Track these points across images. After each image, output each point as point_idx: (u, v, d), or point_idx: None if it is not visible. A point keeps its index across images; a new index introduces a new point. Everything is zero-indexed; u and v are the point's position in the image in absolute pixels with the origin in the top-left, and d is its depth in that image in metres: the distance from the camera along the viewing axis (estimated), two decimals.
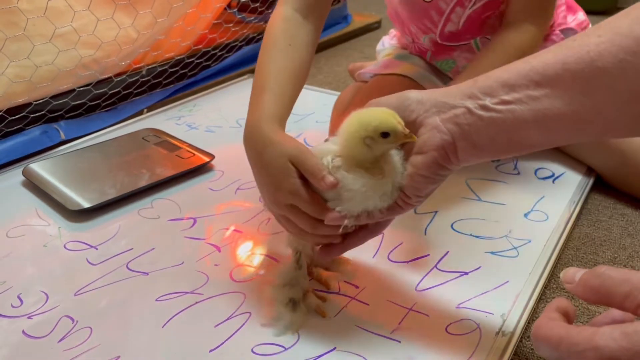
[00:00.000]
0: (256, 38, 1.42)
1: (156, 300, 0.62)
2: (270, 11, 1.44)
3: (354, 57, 1.56)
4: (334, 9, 1.71)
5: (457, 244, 0.71)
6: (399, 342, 0.56)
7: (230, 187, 0.85)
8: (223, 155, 0.92)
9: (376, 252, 0.69)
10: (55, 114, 1.03)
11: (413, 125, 0.50)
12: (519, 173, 0.88)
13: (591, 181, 0.86)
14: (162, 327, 0.58)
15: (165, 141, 0.96)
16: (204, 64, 1.30)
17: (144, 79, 1.17)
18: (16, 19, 0.93)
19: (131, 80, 1.15)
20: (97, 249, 0.71)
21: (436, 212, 0.77)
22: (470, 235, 0.73)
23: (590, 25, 0.93)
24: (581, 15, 0.95)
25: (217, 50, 1.33)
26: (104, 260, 0.69)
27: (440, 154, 0.48)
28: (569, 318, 0.38)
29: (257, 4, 1.43)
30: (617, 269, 0.35)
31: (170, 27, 1.19)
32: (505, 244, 0.71)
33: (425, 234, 0.73)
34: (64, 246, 0.72)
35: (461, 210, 0.78)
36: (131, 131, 1.01)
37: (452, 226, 0.74)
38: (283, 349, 0.55)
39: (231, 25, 1.36)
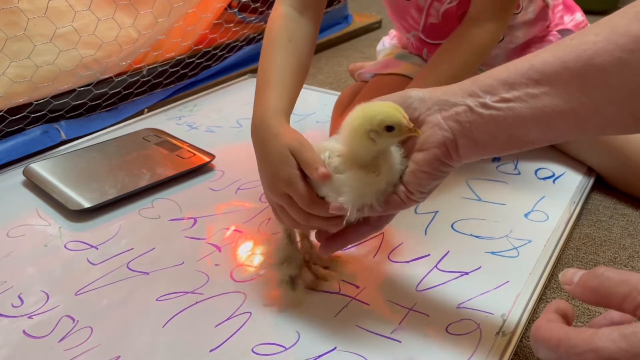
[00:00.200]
0: (257, 38, 1.42)
1: (157, 300, 0.62)
2: (270, 11, 1.44)
3: (354, 57, 1.56)
4: (335, 9, 1.71)
5: (458, 244, 0.71)
6: (400, 342, 0.56)
7: (230, 187, 0.85)
8: (223, 155, 0.92)
9: (376, 252, 0.69)
10: (56, 114, 1.03)
11: (415, 123, 0.50)
12: (519, 173, 0.88)
13: (591, 181, 0.86)
14: (163, 327, 0.58)
15: (165, 141, 0.97)
16: (205, 64, 1.30)
17: (144, 79, 1.17)
18: (17, 19, 0.93)
19: (132, 80, 1.15)
20: (97, 248, 0.71)
21: (436, 212, 0.77)
22: (471, 235, 0.73)
23: (588, 26, 0.93)
24: (579, 15, 0.95)
25: (217, 50, 1.33)
26: (105, 260, 0.69)
27: (441, 151, 0.49)
28: (567, 320, 0.38)
29: (258, 4, 1.43)
30: (616, 270, 0.35)
31: (170, 27, 1.19)
32: (506, 244, 0.71)
33: (425, 234, 0.73)
34: (65, 246, 0.72)
35: (461, 210, 0.78)
36: (132, 131, 1.01)
37: (452, 226, 0.75)
38: (283, 348, 0.55)
39: (232, 25, 1.37)
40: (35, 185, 0.84)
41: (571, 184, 0.85)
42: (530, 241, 0.71)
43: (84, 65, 1.04)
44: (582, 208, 0.81)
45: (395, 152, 0.52)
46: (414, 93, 0.51)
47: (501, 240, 0.71)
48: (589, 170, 0.88)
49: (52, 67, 0.98)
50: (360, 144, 0.51)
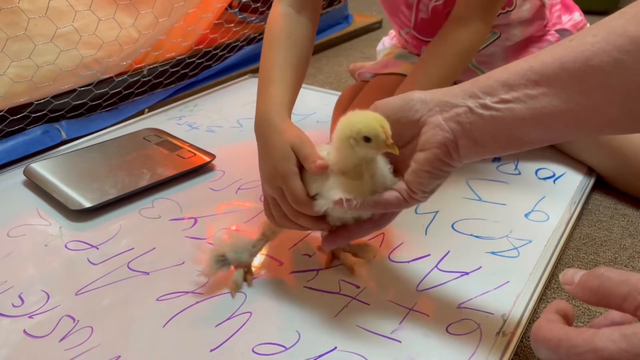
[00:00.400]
0: (257, 38, 1.42)
1: (157, 299, 0.62)
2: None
3: (354, 57, 1.56)
4: (335, 9, 1.71)
5: (458, 244, 0.71)
6: (400, 342, 0.56)
7: (231, 187, 0.85)
8: (224, 155, 0.92)
9: (376, 254, 0.69)
10: (57, 114, 1.04)
11: (417, 125, 0.51)
12: (519, 173, 0.88)
13: (592, 181, 0.86)
14: (163, 326, 0.58)
15: (166, 141, 0.97)
16: (205, 64, 1.30)
17: (145, 79, 1.17)
18: (17, 18, 0.93)
19: (132, 80, 1.15)
20: (98, 248, 0.71)
21: (437, 212, 0.77)
22: (471, 235, 0.73)
23: (587, 26, 0.93)
24: (577, 15, 0.95)
25: (218, 50, 1.33)
26: (105, 259, 0.69)
27: (442, 151, 0.50)
28: (568, 320, 0.38)
29: (258, 4, 1.43)
30: (616, 270, 0.35)
31: (171, 27, 1.19)
32: (506, 244, 0.71)
33: (425, 234, 0.73)
34: (65, 246, 0.72)
35: (462, 210, 0.78)
36: (132, 131, 1.01)
37: (452, 226, 0.75)
38: (284, 348, 0.55)
39: (232, 25, 1.37)
40: (36, 185, 0.84)
41: (572, 184, 0.85)
42: (530, 241, 0.71)
43: (84, 65, 1.04)
44: (583, 208, 0.81)
45: (382, 165, 0.53)
46: (416, 95, 0.52)
47: (501, 240, 0.71)
48: (589, 171, 0.88)
49: (53, 67, 0.98)
50: (343, 148, 0.52)
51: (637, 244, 0.74)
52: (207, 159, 0.91)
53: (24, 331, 0.58)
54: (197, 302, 0.61)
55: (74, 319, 0.59)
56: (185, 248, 0.71)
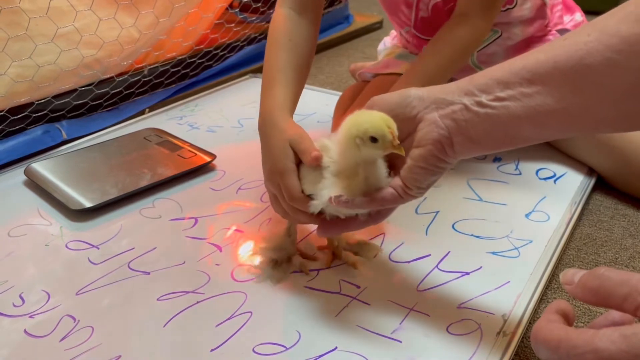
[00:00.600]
0: (258, 38, 1.42)
1: (157, 299, 0.62)
2: (271, 11, 1.44)
3: (355, 57, 1.56)
4: (336, 9, 1.71)
5: (458, 244, 0.71)
6: (400, 342, 0.56)
7: (231, 187, 0.85)
8: (224, 155, 0.93)
9: (377, 253, 0.69)
10: (57, 114, 1.04)
11: (413, 121, 0.52)
12: (520, 173, 0.88)
13: (592, 182, 0.86)
14: (164, 326, 0.58)
15: (166, 141, 0.97)
16: (206, 64, 1.30)
17: (145, 79, 1.17)
18: (18, 18, 0.93)
19: (133, 80, 1.15)
20: (98, 248, 0.71)
21: (437, 212, 0.77)
22: (472, 235, 0.73)
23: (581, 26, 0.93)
24: (579, 15, 0.95)
25: (218, 50, 1.33)
26: (106, 259, 0.69)
27: (436, 148, 0.50)
28: (568, 320, 0.38)
29: (259, 4, 1.43)
30: (616, 271, 0.35)
31: (172, 27, 1.19)
32: (507, 244, 0.71)
33: (426, 234, 0.73)
34: (66, 245, 0.72)
35: (462, 210, 0.78)
36: (133, 131, 1.01)
37: (453, 226, 0.74)
38: (284, 348, 0.55)
39: (233, 25, 1.37)
40: (37, 185, 0.84)
41: (572, 184, 0.85)
42: (531, 241, 0.71)
43: (85, 65, 1.04)
44: (583, 208, 0.81)
45: (380, 168, 0.54)
46: (413, 92, 0.52)
47: (502, 241, 0.71)
48: (590, 171, 0.88)
49: (54, 66, 0.98)
50: (347, 147, 0.53)
51: (638, 244, 0.74)
52: (208, 159, 0.91)
53: (25, 331, 0.58)
54: (197, 302, 0.62)
55: (74, 319, 0.59)
56: (185, 248, 0.71)
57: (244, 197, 0.83)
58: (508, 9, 0.88)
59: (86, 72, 1.05)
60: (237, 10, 1.43)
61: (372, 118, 0.51)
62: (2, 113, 0.94)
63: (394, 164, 0.55)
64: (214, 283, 0.65)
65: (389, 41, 1.12)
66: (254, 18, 1.44)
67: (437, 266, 0.67)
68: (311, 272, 0.66)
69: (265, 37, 1.41)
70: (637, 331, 0.31)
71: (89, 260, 0.69)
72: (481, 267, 0.66)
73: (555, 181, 0.86)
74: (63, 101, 1.03)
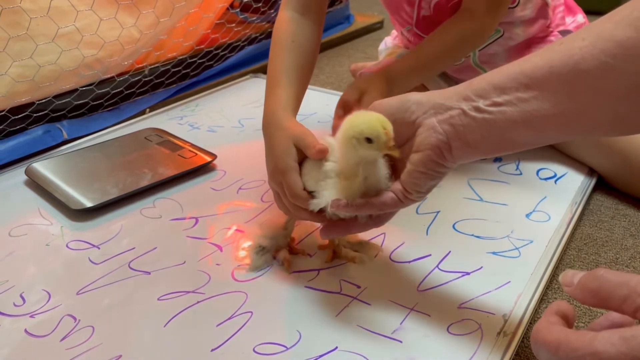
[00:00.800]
0: (258, 38, 1.42)
1: (158, 299, 0.62)
2: (272, 11, 1.45)
3: (356, 57, 1.56)
4: (336, 9, 1.71)
5: (459, 244, 0.71)
6: (401, 342, 0.56)
7: (232, 186, 0.85)
8: (225, 155, 0.93)
9: (378, 252, 0.69)
10: (58, 114, 1.04)
11: (412, 126, 0.52)
12: (521, 173, 0.88)
13: (593, 182, 0.86)
14: (164, 326, 0.58)
15: (167, 141, 0.97)
16: (206, 63, 1.30)
17: (146, 79, 1.17)
18: (19, 18, 0.93)
19: (134, 80, 1.15)
20: (99, 248, 0.71)
21: (438, 212, 0.77)
22: (472, 235, 0.73)
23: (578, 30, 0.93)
24: (580, 17, 0.95)
25: (219, 50, 1.33)
26: (106, 259, 0.69)
27: (435, 153, 0.51)
28: (568, 321, 0.38)
29: (260, 4, 1.43)
30: (616, 272, 0.35)
31: (172, 27, 1.19)
32: (507, 245, 0.71)
33: (427, 234, 0.73)
34: (67, 245, 0.72)
35: (463, 210, 0.78)
36: (133, 131, 1.01)
37: (453, 226, 0.74)
38: (285, 348, 0.55)
39: (233, 25, 1.37)
40: (37, 185, 0.84)
41: (573, 184, 0.85)
42: (531, 241, 0.71)
43: (86, 65, 1.04)
44: (584, 208, 0.81)
45: (381, 170, 0.54)
46: (412, 97, 0.53)
47: (502, 241, 0.71)
48: (590, 171, 0.88)
49: (54, 66, 0.98)
50: (345, 147, 0.54)
51: (639, 244, 0.74)
52: (208, 158, 0.91)
53: (25, 330, 0.58)
54: (198, 302, 0.62)
55: (75, 319, 0.59)
56: (186, 248, 0.71)
57: (245, 197, 0.83)
58: (511, 7, 0.88)
59: (87, 72, 1.05)
60: (238, 10, 1.43)
61: (368, 119, 0.51)
62: (3, 113, 0.95)
63: (395, 168, 0.55)
64: (214, 283, 0.65)
65: (390, 41, 1.12)
66: (254, 18, 1.44)
67: (437, 266, 0.67)
68: (311, 272, 0.66)
69: (266, 37, 1.41)
70: (637, 333, 0.31)
71: (90, 260, 0.69)
72: (482, 267, 0.66)
73: (555, 181, 0.86)
74: (64, 101, 1.03)
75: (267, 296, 0.62)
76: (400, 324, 0.58)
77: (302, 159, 0.61)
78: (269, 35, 1.42)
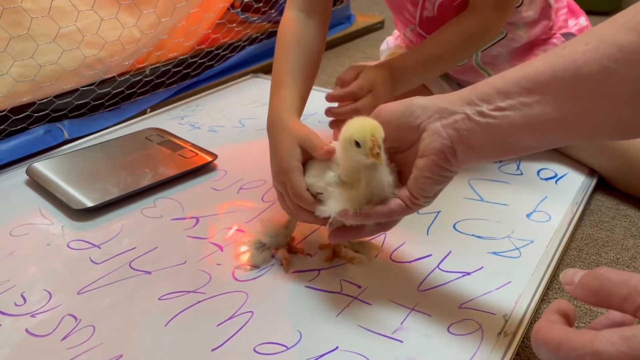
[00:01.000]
0: (259, 38, 1.43)
1: (159, 299, 0.62)
2: (273, 11, 1.45)
3: (356, 58, 1.56)
4: (337, 9, 1.71)
5: (460, 244, 0.71)
6: (401, 342, 0.56)
7: (233, 186, 0.85)
8: (226, 154, 0.93)
9: (378, 252, 0.69)
10: (59, 114, 1.04)
11: (417, 130, 0.52)
12: (521, 174, 0.88)
13: (594, 182, 0.86)
14: (165, 326, 0.58)
15: (168, 141, 0.97)
16: (207, 63, 1.31)
17: (147, 79, 1.17)
18: (20, 18, 0.93)
19: (134, 79, 1.15)
20: (100, 248, 0.71)
21: (438, 212, 0.77)
22: (473, 235, 0.73)
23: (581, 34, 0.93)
24: (583, 20, 0.95)
25: (220, 50, 1.33)
26: (107, 259, 0.69)
27: (440, 157, 0.51)
28: (569, 321, 0.38)
29: (260, 4, 1.43)
30: (617, 271, 0.35)
31: (173, 27, 1.19)
32: (508, 245, 0.71)
33: (427, 234, 0.73)
34: (67, 245, 0.72)
35: (464, 210, 0.78)
36: (134, 131, 1.01)
37: (454, 226, 0.74)
38: (285, 348, 0.55)
39: (234, 25, 1.37)
40: (38, 185, 0.84)
41: (573, 184, 0.85)
42: (532, 242, 0.71)
43: (87, 64, 1.04)
44: (585, 209, 0.81)
45: (384, 176, 0.54)
46: (417, 101, 0.53)
47: (503, 241, 0.71)
48: (591, 171, 0.88)
49: (55, 66, 0.98)
50: (342, 149, 0.55)
51: (639, 244, 0.74)
52: (209, 158, 0.91)
53: (26, 330, 0.58)
54: (198, 302, 0.62)
55: (75, 318, 0.59)
56: (187, 248, 0.71)
57: (245, 197, 0.83)
58: (515, 7, 0.88)
59: (88, 72, 1.05)
60: (239, 10, 1.43)
61: (360, 124, 0.53)
62: (4, 113, 0.95)
63: (401, 172, 0.56)
64: (215, 283, 0.65)
65: (391, 41, 1.12)
66: (255, 18, 1.44)
67: (438, 266, 0.67)
68: (312, 271, 0.66)
69: (266, 37, 1.41)
70: (637, 333, 0.31)
71: (91, 260, 0.69)
72: (482, 267, 0.66)
73: (556, 181, 0.86)
74: (65, 101, 1.03)
75: (267, 296, 0.62)
76: (401, 323, 0.58)
77: (305, 159, 0.61)
78: (269, 35, 1.42)
